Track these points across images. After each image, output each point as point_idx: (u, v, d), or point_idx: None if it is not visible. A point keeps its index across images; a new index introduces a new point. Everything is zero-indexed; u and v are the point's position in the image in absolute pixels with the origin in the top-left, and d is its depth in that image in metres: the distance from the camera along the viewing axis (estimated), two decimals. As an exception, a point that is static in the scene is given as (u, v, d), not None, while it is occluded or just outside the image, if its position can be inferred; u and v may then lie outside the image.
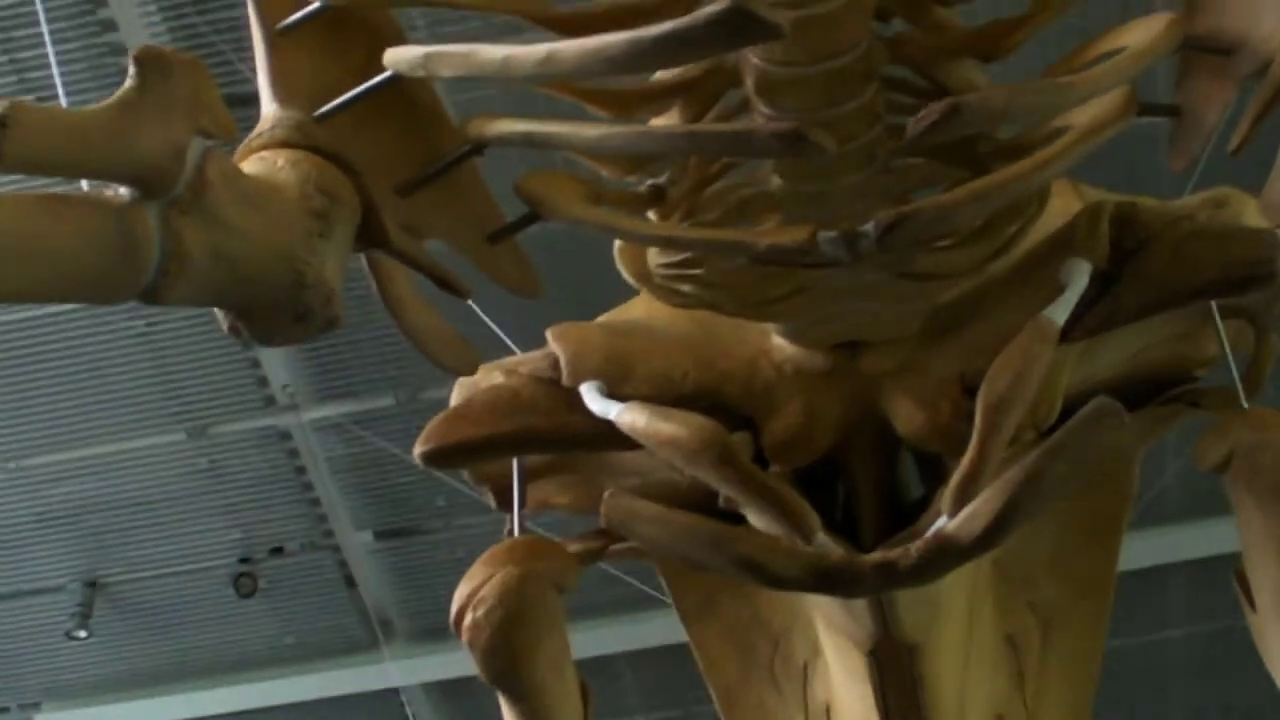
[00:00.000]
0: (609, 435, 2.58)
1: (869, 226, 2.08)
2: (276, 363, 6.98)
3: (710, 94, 2.29)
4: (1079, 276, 2.43)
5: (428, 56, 2.12)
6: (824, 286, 2.46)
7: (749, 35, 1.88)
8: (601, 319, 2.85)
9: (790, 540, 2.45)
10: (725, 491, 2.50)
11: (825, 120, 2.17)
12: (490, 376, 2.77)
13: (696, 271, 2.44)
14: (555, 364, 2.69)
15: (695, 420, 2.44)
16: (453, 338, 2.40)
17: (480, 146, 2.18)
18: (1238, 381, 2.73)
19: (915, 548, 2.37)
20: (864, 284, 2.46)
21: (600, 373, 2.64)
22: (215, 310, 1.91)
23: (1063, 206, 2.63)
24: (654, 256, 2.47)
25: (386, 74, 2.14)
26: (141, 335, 6.80)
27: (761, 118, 2.21)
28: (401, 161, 2.25)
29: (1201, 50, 2.31)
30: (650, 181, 2.38)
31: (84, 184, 1.79)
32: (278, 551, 7.73)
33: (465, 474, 2.97)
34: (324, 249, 1.92)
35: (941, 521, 2.40)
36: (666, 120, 2.35)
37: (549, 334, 2.74)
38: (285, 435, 7.24)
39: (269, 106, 2.13)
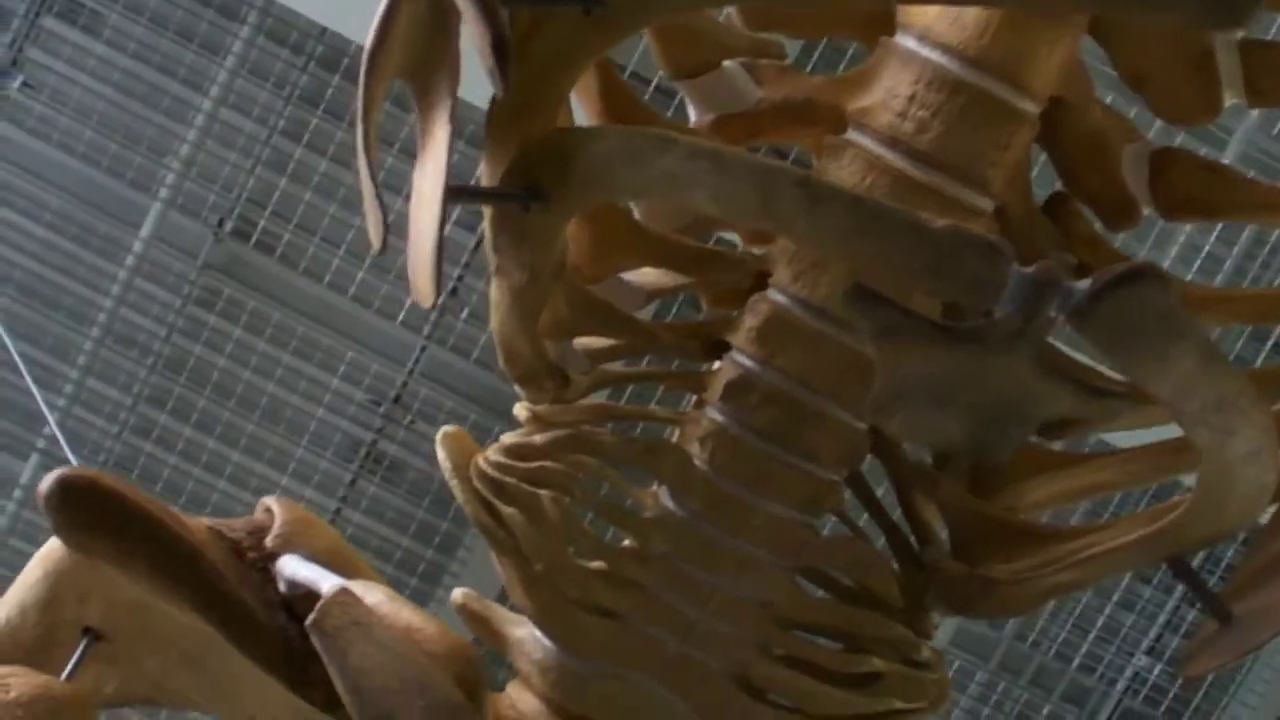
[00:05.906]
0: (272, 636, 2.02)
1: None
2: None
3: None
4: None
5: None
6: (646, 639, 2.01)
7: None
8: None
9: None
10: None
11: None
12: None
13: (543, 493, 2.00)
14: (255, 529, 2.10)
15: (444, 626, 2.07)
16: None
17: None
18: None
19: None
20: (690, 669, 2.01)
21: (318, 559, 2.07)
22: None
23: None
24: (493, 454, 2.05)
25: None
26: None
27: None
28: None
29: None
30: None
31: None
32: None
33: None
34: None
35: None
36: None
37: (268, 500, 2.15)
38: None
39: None
